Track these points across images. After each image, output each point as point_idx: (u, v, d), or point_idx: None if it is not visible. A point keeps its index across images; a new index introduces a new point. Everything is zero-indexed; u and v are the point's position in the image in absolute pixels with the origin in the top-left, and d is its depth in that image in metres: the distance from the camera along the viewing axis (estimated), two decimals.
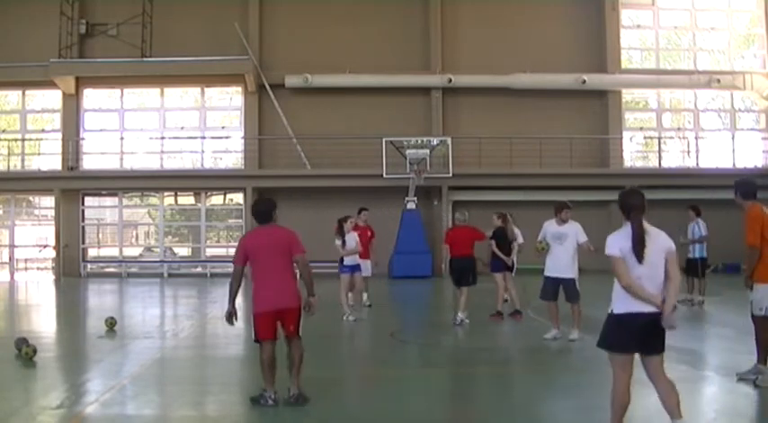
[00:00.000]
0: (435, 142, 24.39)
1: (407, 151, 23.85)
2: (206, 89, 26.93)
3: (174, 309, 17.69)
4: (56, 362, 9.51)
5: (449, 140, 24.43)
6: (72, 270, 25.11)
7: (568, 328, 10.13)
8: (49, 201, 26.33)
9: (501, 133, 25.01)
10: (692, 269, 14.34)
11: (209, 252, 27.36)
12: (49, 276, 25.55)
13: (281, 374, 6.70)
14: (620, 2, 26.65)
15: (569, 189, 21.82)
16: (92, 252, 27.17)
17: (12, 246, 26.46)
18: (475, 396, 7.66)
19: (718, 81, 26.26)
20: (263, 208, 6.92)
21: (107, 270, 26.69)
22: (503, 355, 10.02)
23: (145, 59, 24.99)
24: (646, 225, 5.10)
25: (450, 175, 24.18)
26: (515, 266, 12.73)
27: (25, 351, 8.93)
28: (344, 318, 12.44)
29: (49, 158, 26.65)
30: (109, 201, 27.55)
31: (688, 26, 27.77)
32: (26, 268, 26.69)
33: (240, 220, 26.43)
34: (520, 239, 12.90)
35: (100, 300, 19.17)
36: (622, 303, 5.05)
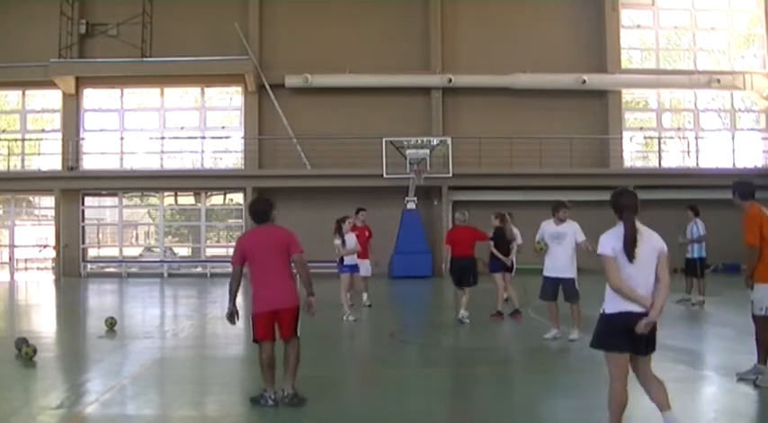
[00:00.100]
0: (435, 142, 24.39)
1: (407, 151, 23.85)
2: (206, 89, 26.92)
3: (174, 309, 17.68)
4: (56, 362, 9.50)
5: (449, 140, 24.43)
6: (72, 270, 25.11)
7: (568, 327, 10.12)
8: (48, 201, 26.33)
9: (501, 133, 25.01)
10: (691, 269, 14.36)
11: (209, 252, 27.35)
12: (49, 276, 25.55)
13: (281, 374, 6.69)
14: (620, 2, 26.64)
15: (569, 189, 21.80)
16: (92, 252, 27.17)
17: (12, 246, 26.46)
18: (475, 396, 7.65)
19: (718, 81, 26.25)
20: (260, 208, 6.89)
21: (107, 270, 26.69)
22: (503, 355, 10.02)
23: (145, 59, 24.99)
24: (639, 225, 5.12)
25: (450, 175, 24.18)
26: (515, 267, 12.70)
27: (25, 351, 8.93)
28: (344, 318, 12.44)
29: (49, 158, 26.65)
30: (109, 201, 27.55)
31: (688, 26, 27.76)
32: (26, 268, 26.69)
33: (240, 220, 26.40)
34: (519, 240, 12.85)
35: (100, 300, 19.16)
36: (614, 303, 5.07)
